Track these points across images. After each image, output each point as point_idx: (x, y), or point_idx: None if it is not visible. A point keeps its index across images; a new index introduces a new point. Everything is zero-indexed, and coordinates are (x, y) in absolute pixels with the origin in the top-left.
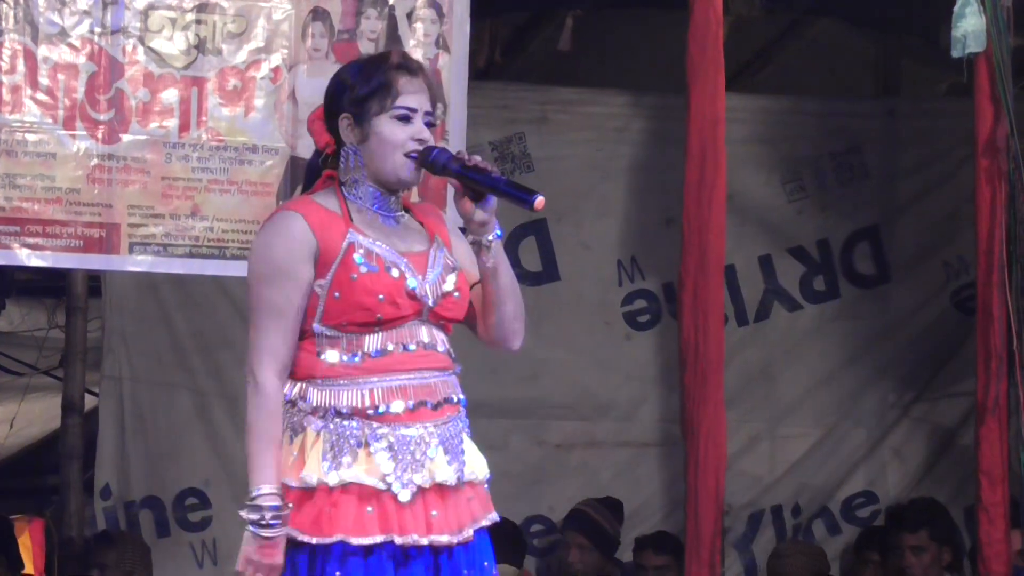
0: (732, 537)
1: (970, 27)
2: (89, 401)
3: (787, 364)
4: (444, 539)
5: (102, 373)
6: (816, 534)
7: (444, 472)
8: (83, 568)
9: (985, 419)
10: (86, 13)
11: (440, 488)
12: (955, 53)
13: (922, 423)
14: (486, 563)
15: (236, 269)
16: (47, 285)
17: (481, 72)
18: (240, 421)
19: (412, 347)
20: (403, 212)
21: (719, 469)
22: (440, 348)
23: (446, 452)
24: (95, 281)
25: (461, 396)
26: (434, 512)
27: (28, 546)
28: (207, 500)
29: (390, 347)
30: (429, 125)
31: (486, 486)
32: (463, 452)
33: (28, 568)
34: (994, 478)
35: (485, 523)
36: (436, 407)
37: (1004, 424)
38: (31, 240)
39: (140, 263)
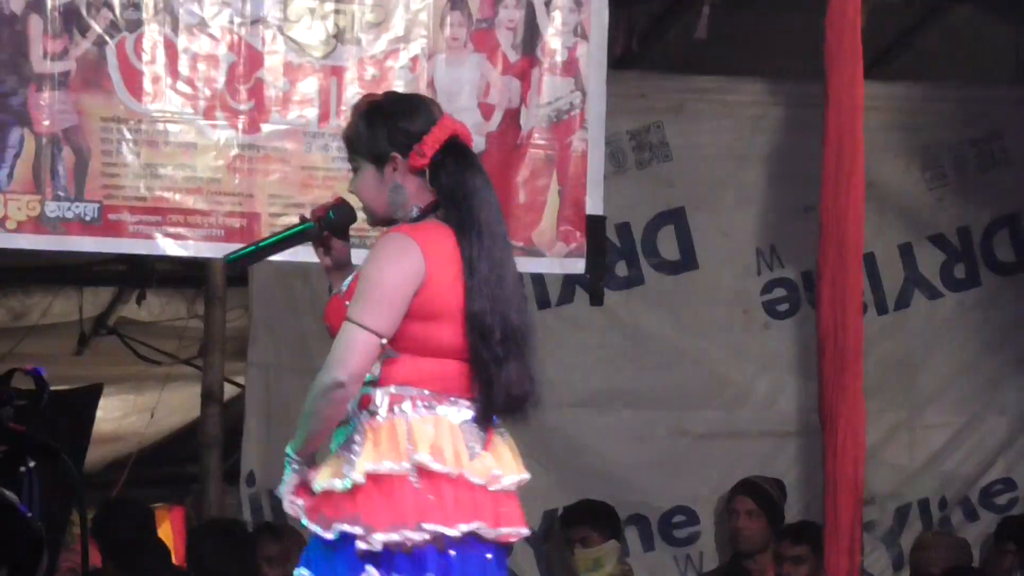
0: (879, 531)
1: None
2: (228, 390)
3: (928, 353)
4: None
5: (248, 361)
6: (953, 520)
7: None
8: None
9: None
10: (225, 3)
11: None
12: None
13: None
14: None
15: None
16: (186, 275)
17: (618, 61)
18: None
19: None
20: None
21: (858, 458)
22: None
23: None
24: (233, 271)
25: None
26: None
27: (169, 534)
28: None
29: None
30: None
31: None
32: None
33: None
34: None
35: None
36: None
37: None
38: (172, 230)
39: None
